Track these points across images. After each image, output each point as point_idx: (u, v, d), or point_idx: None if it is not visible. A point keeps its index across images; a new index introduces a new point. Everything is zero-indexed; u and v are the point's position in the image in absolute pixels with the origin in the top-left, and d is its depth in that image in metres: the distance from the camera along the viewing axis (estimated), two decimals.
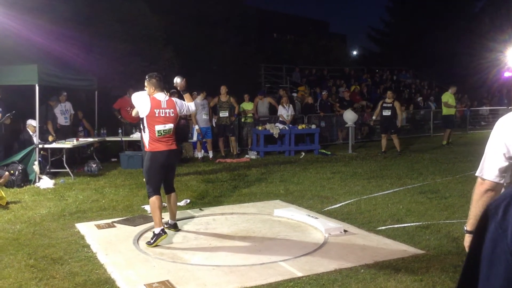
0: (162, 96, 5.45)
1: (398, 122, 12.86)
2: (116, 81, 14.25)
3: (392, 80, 24.47)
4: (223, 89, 12.51)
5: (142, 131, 5.53)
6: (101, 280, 4.20)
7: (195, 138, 12.43)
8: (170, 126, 5.40)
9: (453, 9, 29.84)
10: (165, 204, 6.28)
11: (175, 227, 5.81)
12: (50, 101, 10.97)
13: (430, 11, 30.22)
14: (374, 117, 13.61)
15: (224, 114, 12.50)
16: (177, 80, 5.78)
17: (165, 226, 5.79)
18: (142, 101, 5.38)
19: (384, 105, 12.81)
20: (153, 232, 5.28)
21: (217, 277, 4.27)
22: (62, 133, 11.01)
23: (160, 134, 5.33)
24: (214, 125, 12.84)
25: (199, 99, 12.12)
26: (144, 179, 9.08)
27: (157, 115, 5.32)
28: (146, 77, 5.54)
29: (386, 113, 12.74)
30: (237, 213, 6.68)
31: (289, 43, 29.48)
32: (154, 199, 5.28)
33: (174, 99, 5.65)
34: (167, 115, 5.38)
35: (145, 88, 5.55)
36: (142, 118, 5.38)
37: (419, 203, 7.10)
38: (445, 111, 14.78)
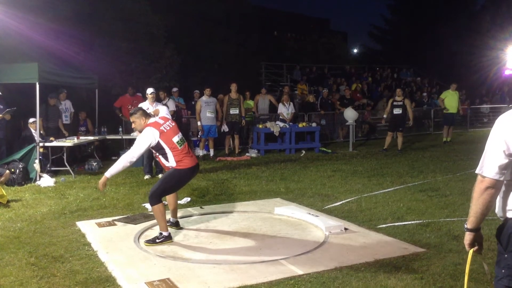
0: (154, 119, 5.47)
1: (410, 120, 12.87)
2: (117, 79, 14.27)
3: (393, 78, 24.46)
4: (233, 87, 12.48)
5: (165, 159, 5.25)
6: (102, 278, 4.21)
7: (199, 136, 12.39)
8: (180, 135, 5.41)
9: (454, 7, 29.80)
10: (166, 202, 6.28)
11: (177, 225, 5.82)
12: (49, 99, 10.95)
13: (431, 9, 30.19)
14: (385, 115, 13.56)
15: (234, 111, 12.46)
16: None
17: (167, 224, 5.81)
18: (148, 133, 5.17)
19: (395, 103, 12.81)
20: (161, 233, 5.28)
21: (218, 275, 4.27)
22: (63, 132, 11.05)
23: (180, 144, 5.28)
24: (225, 126, 12.55)
25: (205, 96, 12.11)
26: (145, 177, 9.20)
27: (165, 130, 5.26)
28: (130, 114, 5.42)
29: (397, 111, 12.73)
30: (238, 211, 6.68)
31: (290, 41, 29.49)
32: (160, 206, 5.23)
33: (161, 115, 5.74)
34: (171, 127, 5.38)
35: (133, 127, 5.45)
36: (158, 144, 5.16)
37: (419, 201, 7.10)
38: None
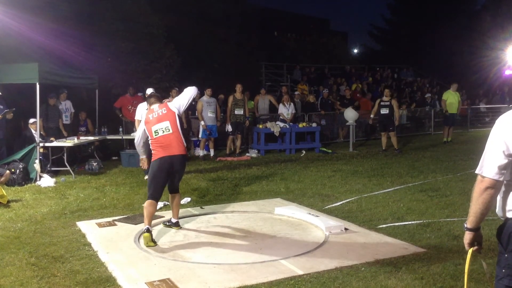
0: (156, 105, 5.66)
1: (395, 120, 12.86)
2: (117, 79, 14.26)
3: (393, 78, 24.45)
4: (238, 88, 12.50)
5: (150, 145, 5.59)
6: (102, 278, 4.21)
7: (200, 136, 12.37)
8: (165, 123, 5.43)
9: (454, 7, 29.80)
10: (168, 203, 6.31)
11: (176, 225, 5.83)
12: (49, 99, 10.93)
13: (431, 8, 30.18)
14: (372, 115, 13.61)
15: (239, 111, 12.48)
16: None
17: (167, 223, 5.85)
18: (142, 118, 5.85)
19: (382, 103, 12.84)
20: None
21: (218, 275, 4.27)
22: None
23: (157, 133, 5.40)
24: (229, 126, 12.61)
25: (205, 96, 12.11)
26: (145, 178, 9.18)
27: (151, 118, 5.50)
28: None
29: (384, 111, 12.77)
30: (238, 211, 6.69)
31: (290, 41, 29.47)
32: (148, 202, 5.33)
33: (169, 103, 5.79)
34: (159, 114, 5.50)
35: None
36: (144, 131, 5.60)
37: (419, 201, 7.10)
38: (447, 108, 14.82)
